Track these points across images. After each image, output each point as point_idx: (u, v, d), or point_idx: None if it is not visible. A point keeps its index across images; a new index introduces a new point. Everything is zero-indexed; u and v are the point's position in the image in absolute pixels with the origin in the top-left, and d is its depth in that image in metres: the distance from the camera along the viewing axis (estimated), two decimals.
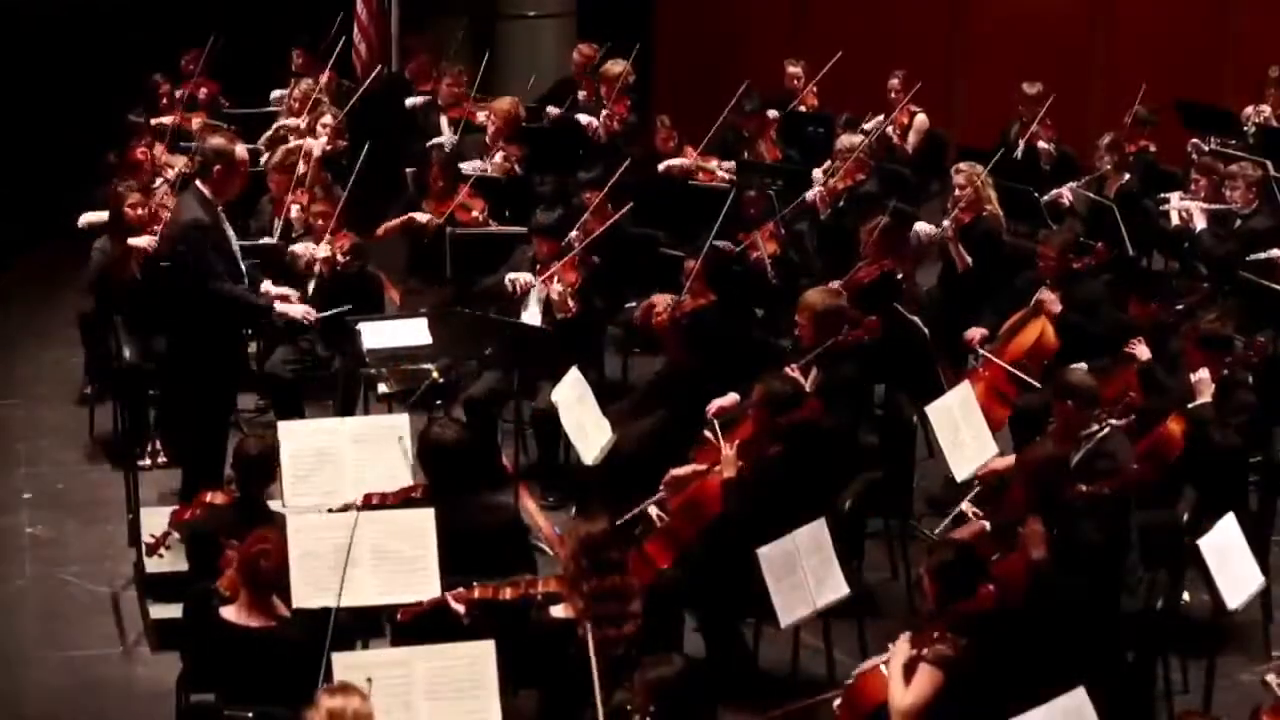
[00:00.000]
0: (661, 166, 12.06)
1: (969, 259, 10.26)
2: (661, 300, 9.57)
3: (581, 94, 13.15)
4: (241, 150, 8.51)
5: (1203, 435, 7.85)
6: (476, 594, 6.55)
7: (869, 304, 9.16)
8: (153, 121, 12.69)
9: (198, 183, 8.41)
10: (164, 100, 13.27)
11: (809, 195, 11.27)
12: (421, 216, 10.89)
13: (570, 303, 9.62)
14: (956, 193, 10.45)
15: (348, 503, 7.24)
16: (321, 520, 6.88)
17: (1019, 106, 12.83)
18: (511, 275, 9.76)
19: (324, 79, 13.23)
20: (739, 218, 10.63)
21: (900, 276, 9.74)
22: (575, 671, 5.92)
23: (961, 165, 10.66)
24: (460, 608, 6.53)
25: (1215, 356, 8.09)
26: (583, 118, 12.76)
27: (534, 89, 13.99)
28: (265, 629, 6.28)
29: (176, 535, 7.26)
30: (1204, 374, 8.02)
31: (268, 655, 6.22)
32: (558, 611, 6.37)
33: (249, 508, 7.14)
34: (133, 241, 9.82)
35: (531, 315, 9.70)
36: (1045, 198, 11.39)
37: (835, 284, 9.46)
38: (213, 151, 8.37)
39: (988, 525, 7.32)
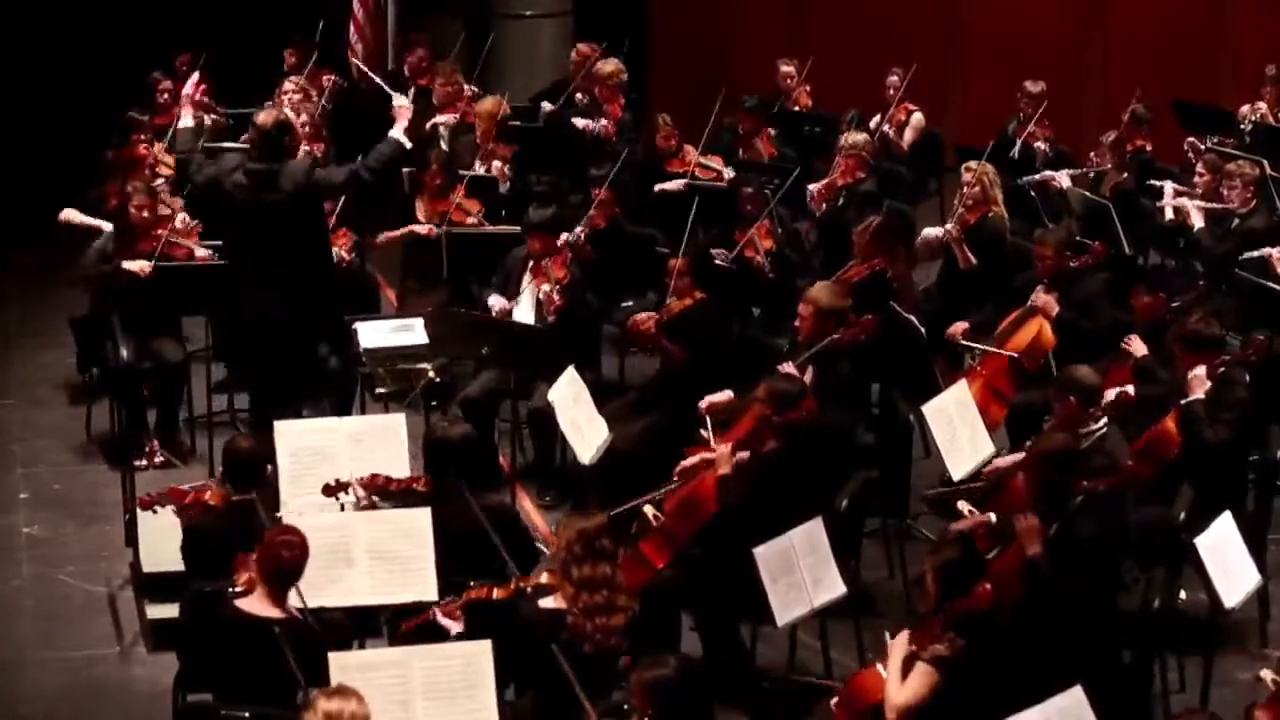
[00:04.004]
0: (657, 188, 11.93)
1: (973, 259, 10.24)
2: (645, 315, 9.56)
3: (578, 96, 13.09)
4: (284, 111, 9.13)
5: (1194, 432, 7.84)
6: (472, 595, 6.55)
7: (862, 303, 9.15)
8: (152, 119, 12.65)
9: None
10: (164, 98, 13.20)
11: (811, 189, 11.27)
12: (421, 228, 10.75)
13: (555, 298, 9.52)
14: (965, 190, 10.43)
15: (343, 480, 7.28)
16: (316, 521, 6.87)
17: (1020, 103, 12.79)
18: (491, 301, 9.75)
19: (327, 81, 13.18)
20: (736, 215, 10.62)
21: (891, 276, 9.73)
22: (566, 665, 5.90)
23: (971, 164, 10.60)
24: (449, 623, 6.51)
25: (1205, 356, 8.08)
26: (579, 121, 12.66)
27: (529, 89, 13.97)
28: (277, 620, 6.26)
29: (171, 507, 7.24)
30: (1200, 371, 8.00)
31: (277, 647, 6.18)
32: (547, 603, 6.38)
33: (242, 507, 7.07)
34: (127, 266, 9.69)
35: (524, 313, 9.67)
36: (1035, 178, 11.37)
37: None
38: (276, 130, 8.74)
39: (993, 517, 7.33)
